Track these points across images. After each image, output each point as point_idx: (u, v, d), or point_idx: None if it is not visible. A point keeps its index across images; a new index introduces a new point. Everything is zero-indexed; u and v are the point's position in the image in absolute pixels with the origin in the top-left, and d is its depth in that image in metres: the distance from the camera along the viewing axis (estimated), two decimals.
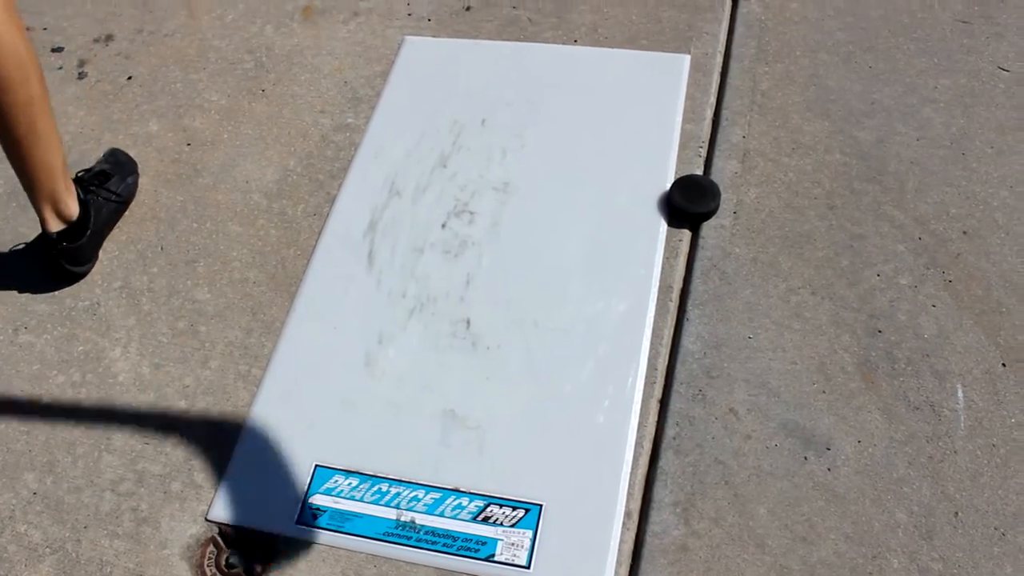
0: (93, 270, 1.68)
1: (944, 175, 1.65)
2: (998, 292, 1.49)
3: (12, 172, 1.53)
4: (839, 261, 1.55)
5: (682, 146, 1.72)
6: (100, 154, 1.85)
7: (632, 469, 1.34)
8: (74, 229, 1.61)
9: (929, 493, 1.30)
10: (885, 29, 1.90)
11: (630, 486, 1.33)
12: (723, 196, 1.63)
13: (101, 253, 1.70)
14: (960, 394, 1.39)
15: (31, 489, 1.41)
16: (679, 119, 1.75)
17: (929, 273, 1.52)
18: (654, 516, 1.30)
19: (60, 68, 2.11)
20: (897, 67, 1.83)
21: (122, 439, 1.45)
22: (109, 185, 1.74)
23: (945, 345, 1.44)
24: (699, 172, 1.68)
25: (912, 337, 1.45)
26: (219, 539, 1.32)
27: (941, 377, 1.41)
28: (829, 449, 1.35)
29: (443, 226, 1.63)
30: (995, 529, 1.26)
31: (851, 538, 1.27)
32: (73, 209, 1.61)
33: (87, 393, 1.51)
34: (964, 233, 1.57)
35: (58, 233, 1.59)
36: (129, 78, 2.07)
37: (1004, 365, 1.41)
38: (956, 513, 1.28)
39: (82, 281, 1.67)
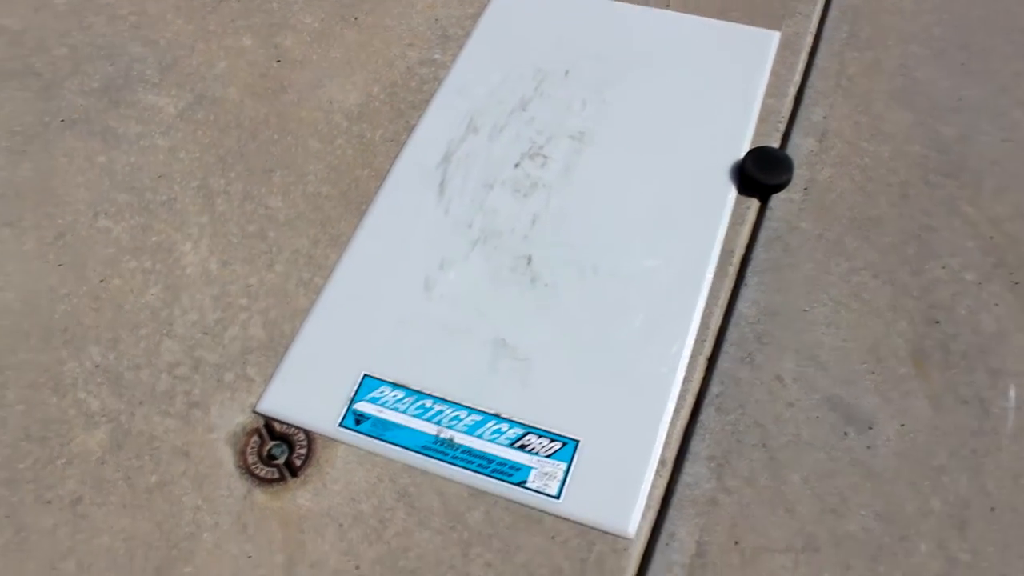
0: (174, 169, 1.73)
1: None
2: None
3: (107, 70, 1.58)
4: (905, 249, 1.54)
5: (761, 119, 1.72)
6: (193, 61, 1.91)
7: (672, 420, 1.36)
8: None
9: (967, 485, 1.30)
10: (983, 29, 1.88)
11: (668, 435, 1.34)
12: (796, 171, 1.63)
13: (182, 154, 1.75)
14: (1012, 394, 1.38)
15: (94, 361, 1.46)
16: (761, 93, 1.75)
17: (996, 272, 1.51)
18: (688, 467, 1.32)
19: None
20: (991, 67, 1.81)
21: (183, 327, 1.50)
22: None
23: (1003, 344, 1.43)
24: (775, 145, 1.68)
25: (970, 332, 1.45)
26: (264, 431, 1.37)
27: (995, 375, 1.40)
28: (871, 428, 1.35)
29: (516, 166, 1.66)
30: None
31: (882, 516, 1.27)
32: None
33: (155, 280, 1.57)
34: None
35: None
36: None
37: None
38: (992, 509, 1.28)
39: (161, 177, 1.72)
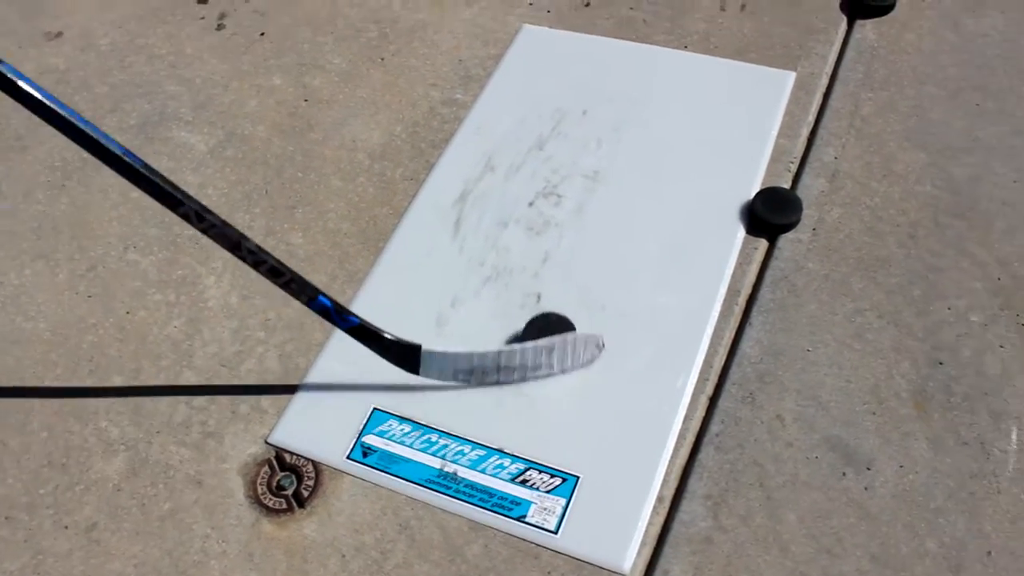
0: (202, 203, 1.79)
1: None
2: None
3: (144, 107, 1.66)
4: (911, 290, 1.55)
5: (773, 159, 1.75)
6: (226, 100, 1.99)
7: (671, 457, 1.38)
8: None
9: (964, 528, 1.30)
10: (1001, 69, 1.89)
11: (667, 473, 1.37)
12: (805, 212, 1.65)
13: (210, 191, 1.82)
14: (1014, 436, 1.39)
15: (117, 391, 1.53)
16: (775, 133, 1.77)
17: (1003, 314, 1.52)
18: (685, 505, 1.34)
19: (202, 19, 2.26)
20: (1006, 108, 1.81)
21: (203, 359, 1.56)
22: None
23: (1006, 386, 1.43)
24: (786, 186, 1.70)
25: (973, 374, 1.45)
26: (275, 462, 1.41)
27: (997, 417, 1.40)
28: (869, 469, 1.36)
29: (530, 204, 1.70)
30: None
31: (876, 558, 1.28)
32: None
33: (179, 313, 1.63)
34: None
35: None
36: (262, 34, 2.19)
37: None
38: (989, 552, 1.28)
39: None
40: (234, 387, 1.52)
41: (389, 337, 1.42)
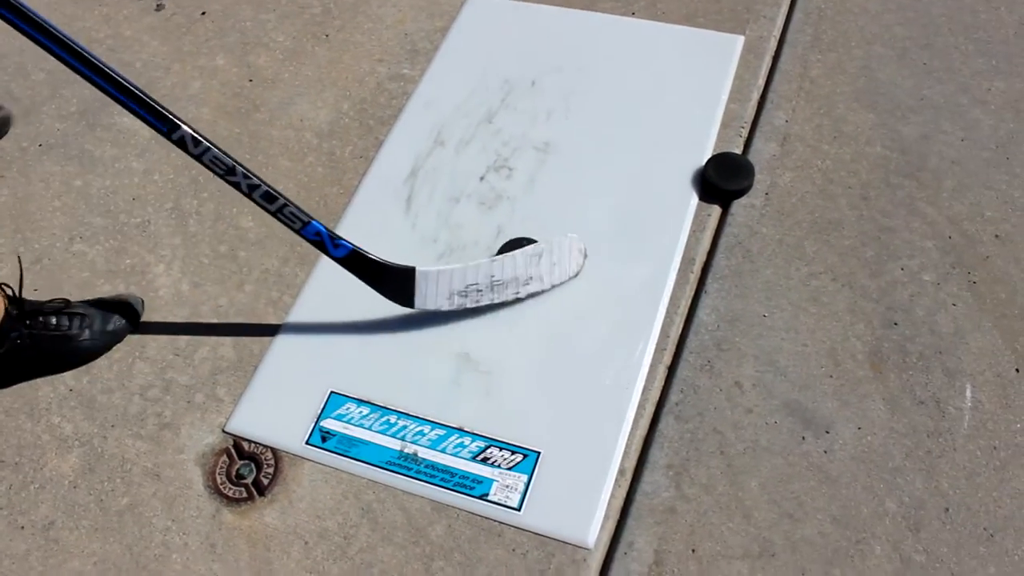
0: (148, 191, 1.76)
1: (984, 177, 1.64)
2: (1022, 298, 1.49)
3: (84, 94, 1.61)
4: (864, 251, 1.56)
5: (724, 125, 1.74)
6: (168, 82, 1.95)
7: (632, 429, 1.38)
8: None
9: (922, 486, 1.32)
10: (946, 27, 1.89)
11: (627, 445, 1.37)
12: (758, 177, 1.65)
13: (156, 176, 1.78)
14: (968, 393, 1.40)
15: (68, 386, 1.50)
16: (724, 98, 1.77)
17: (954, 272, 1.53)
18: (647, 476, 1.34)
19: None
20: (952, 66, 1.82)
21: (155, 349, 1.53)
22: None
23: (960, 344, 1.45)
24: (738, 151, 1.70)
25: (928, 333, 1.46)
26: (233, 451, 1.40)
27: (951, 375, 1.42)
28: (828, 432, 1.37)
29: (481, 179, 1.68)
30: (984, 530, 1.27)
31: (837, 520, 1.29)
32: None
33: None
34: (996, 237, 1.57)
35: None
36: (203, 13, 2.14)
37: (1018, 371, 1.42)
38: (947, 509, 1.30)
39: (136, 199, 1.75)
40: (189, 376, 1.50)
41: (383, 262, 1.42)
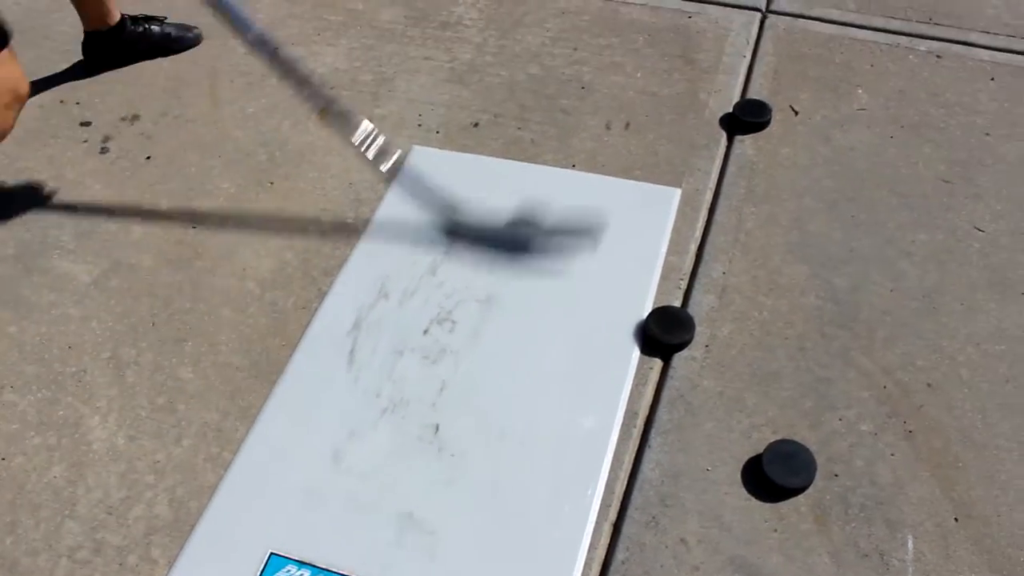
0: (85, 339, 1.73)
1: (914, 327, 1.70)
2: (957, 447, 1.52)
3: (23, 236, 1.59)
4: (803, 402, 1.59)
5: (664, 277, 1.78)
6: (111, 227, 1.94)
7: None
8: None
9: None
10: (871, 181, 1.98)
11: None
12: (698, 329, 1.68)
13: (94, 324, 1.76)
14: (910, 545, 1.41)
15: None
16: (663, 251, 1.82)
17: (891, 422, 1.56)
18: None
19: (85, 141, 2.21)
20: (878, 218, 1.90)
21: (86, 507, 1.48)
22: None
23: (899, 495, 1.47)
24: (677, 304, 1.74)
25: (868, 484, 1.48)
26: None
27: (893, 526, 1.43)
28: None
29: (425, 332, 1.69)
30: None
31: None
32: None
33: (60, 458, 1.55)
34: (928, 386, 1.61)
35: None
36: (148, 158, 2.16)
37: (956, 520, 1.44)
38: None
39: (72, 348, 1.72)
40: (121, 537, 1.45)
41: None
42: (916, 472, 1.50)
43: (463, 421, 1.55)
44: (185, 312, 1.79)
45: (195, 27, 2.53)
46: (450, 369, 1.63)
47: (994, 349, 1.66)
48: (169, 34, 2.48)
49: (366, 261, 1.83)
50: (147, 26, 2.45)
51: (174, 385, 1.66)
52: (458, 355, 1.65)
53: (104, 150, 2.19)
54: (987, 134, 2.09)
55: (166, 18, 2.49)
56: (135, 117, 2.28)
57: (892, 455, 1.52)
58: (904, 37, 2.39)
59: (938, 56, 2.33)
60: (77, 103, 2.32)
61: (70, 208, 2.03)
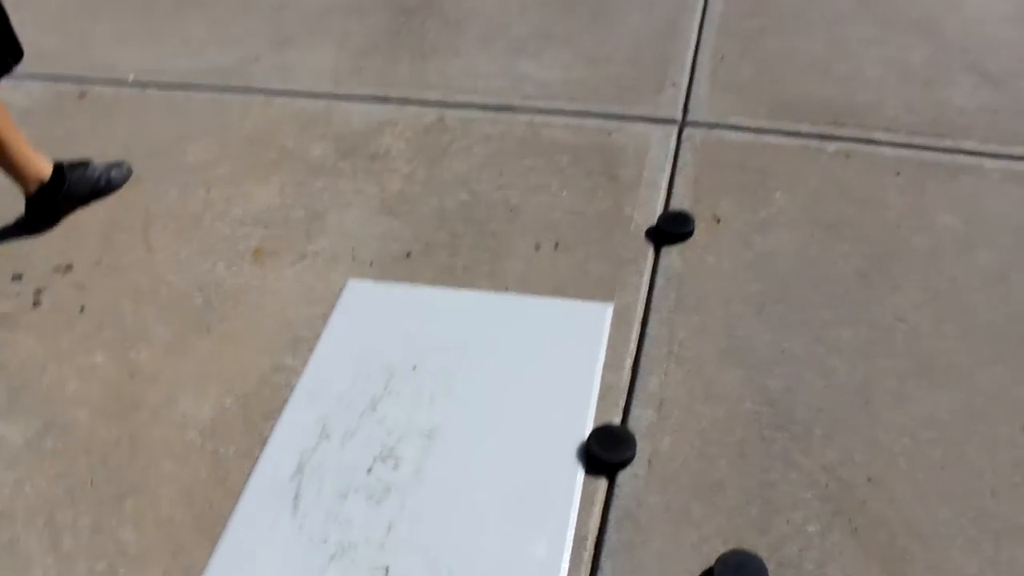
0: (17, 505, 1.69)
1: (849, 422, 1.73)
2: (902, 539, 1.54)
3: None
4: (749, 509, 1.60)
5: (602, 395, 1.80)
6: (44, 383, 1.92)
7: None
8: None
9: None
10: (794, 281, 2.05)
11: None
12: (639, 445, 1.70)
13: (28, 488, 1.72)
14: None
15: None
16: (600, 367, 1.84)
17: (836, 520, 1.58)
18: None
19: (17, 295, 2.19)
20: (805, 318, 1.95)
21: None
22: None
23: None
24: (617, 421, 1.76)
25: None
26: None
27: None
28: None
29: (368, 471, 1.68)
30: None
31: None
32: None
33: None
34: (869, 480, 1.64)
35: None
36: (82, 309, 2.15)
37: None
38: None
39: (2, 516, 1.68)
40: None
41: None
42: (866, 569, 1.51)
43: (412, 561, 1.53)
44: (124, 468, 1.76)
45: (121, 161, 2.55)
46: (396, 508, 1.61)
47: (927, 436, 1.71)
48: (103, 175, 2.49)
49: (306, 402, 1.83)
50: (83, 172, 2.45)
51: (115, 548, 1.62)
52: (403, 493, 1.64)
53: (36, 304, 2.18)
54: (898, 227, 2.18)
55: (91, 160, 2.50)
56: (68, 267, 2.27)
57: (841, 554, 1.53)
58: (814, 140, 2.50)
59: (847, 155, 2.43)
60: (9, 256, 2.31)
61: (1, 366, 2.00)
